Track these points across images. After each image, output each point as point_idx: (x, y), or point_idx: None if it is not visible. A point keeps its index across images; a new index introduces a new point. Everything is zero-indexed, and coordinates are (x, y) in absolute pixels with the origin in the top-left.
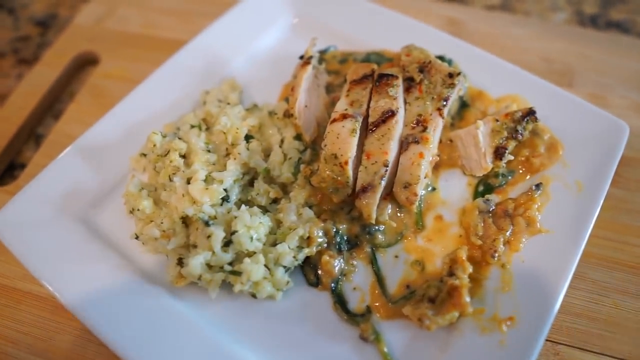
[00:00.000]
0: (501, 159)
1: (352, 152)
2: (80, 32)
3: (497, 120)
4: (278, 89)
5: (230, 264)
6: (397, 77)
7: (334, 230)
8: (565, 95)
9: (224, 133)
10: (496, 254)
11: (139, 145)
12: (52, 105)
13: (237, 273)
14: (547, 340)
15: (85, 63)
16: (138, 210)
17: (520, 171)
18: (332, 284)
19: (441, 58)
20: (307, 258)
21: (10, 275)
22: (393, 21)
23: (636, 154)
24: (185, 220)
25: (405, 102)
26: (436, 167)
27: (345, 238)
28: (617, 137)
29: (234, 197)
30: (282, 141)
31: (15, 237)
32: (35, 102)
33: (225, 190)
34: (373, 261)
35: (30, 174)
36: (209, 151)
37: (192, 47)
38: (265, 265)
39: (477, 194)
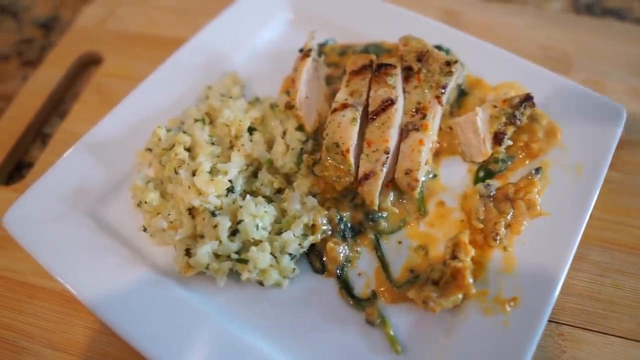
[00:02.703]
0: (500, 145)
1: (353, 140)
2: (83, 33)
3: (495, 107)
4: (279, 82)
5: (237, 252)
6: (395, 67)
7: (338, 217)
8: (562, 80)
9: (227, 126)
10: (498, 237)
11: (144, 141)
12: (57, 105)
13: (244, 261)
14: (550, 321)
15: (88, 63)
16: (145, 203)
17: (520, 156)
18: (338, 270)
19: (439, 48)
20: (312, 245)
21: (23, 270)
22: (391, 13)
23: (634, 137)
24: (192, 212)
25: (404, 91)
26: (437, 155)
27: (349, 225)
28: (614, 120)
29: (238, 188)
30: (284, 132)
31: (27, 234)
32: (41, 103)
33: (230, 181)
34: (377, 247)
35: (38, 173)
36: (213, 144)
37: (193, 44)
38: (271, 254)
39: (477, 180)
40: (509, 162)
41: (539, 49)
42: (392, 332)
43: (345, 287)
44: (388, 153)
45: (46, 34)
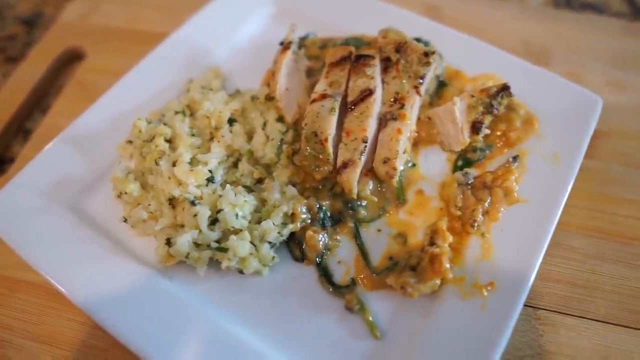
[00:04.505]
0: (478, 133)
1: (331, 129)
2: (66, 28)
3: (473, 96)
4: (261, 75)
5: (217, 241)
6: (374, 58)
7: (318, 206)
8: (539, 71)
9: (208, 117)
10: (475, 224)
11: (126, 134)
12: (40, 101)
13: (224, 250)
14: (528, 305)
15: (71, 58)
16: (125, 193)
17: (498, 145)
18: (317, 258)
19: (418, 40)
20: (292, 234)
21: (4, 264)
22: (372, 8)
23: (610, 127)
24: (172, 202)
25: (383, 82)
26: (416, 144)
27: (328, 214)
28: (590, 109)
29: (219, 178)
30: (264, 124)
31: (8, 226)
32: (23, 98)
33: (210, 171)
34: (356, 235)
35: (20, 168)
36: (193, 135)
37: (175, 38)
38: (251, 242)
39: (456, 169)
40: (487, 151)
41: (519, 43)
42: (371, 318)
43: (325, 274)
44: (366, 142)
45: (29, 31)
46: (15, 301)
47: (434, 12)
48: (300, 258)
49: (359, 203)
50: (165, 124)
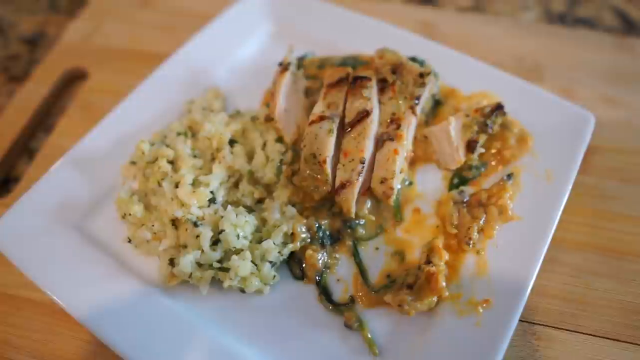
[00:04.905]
0: (473, 152)
1: (329, 151)
2: (68, 48)
3: (468, 116)
4: (260, 95)
5: (219, 261)
6: (370, 79)
7: (317, 225)
8: (533, 89)
9: (209, 139)
10: (471, 242)
11: (129, 155)
12: (43, 120)
13: (226, 269)
14: (524, 321)
15: (74, 78)
16: (130, 215)
17: (493, 163)
18: (317, 277)
19: (414, 59)
20: (292, 253)
21: (10, 283)
22: (368, 26)
23: (603, 143)
24: (175, 222)
25: (380, 103)
26: (412, 163)
27: (327, 233)
28: (583, 127)
29: (220, 199)
30: (264, 144)
31: (14, 247)
32: (27, 118)
33: (211, 192)
34: (355, 254)
35: (25, 187)
36: (195, 156)
37: (176, 59)
38: (252, 262)
39: (452, 187)
40: (482, 169)
41: (512, 59)
42: (369, 335)
43: (325, 292)
44: (364, 163)
45: (32, 50)
46: (21, 320)
47: (427, 29)
48: (300, 277)
49: (357, 222)
50: (167, 146)
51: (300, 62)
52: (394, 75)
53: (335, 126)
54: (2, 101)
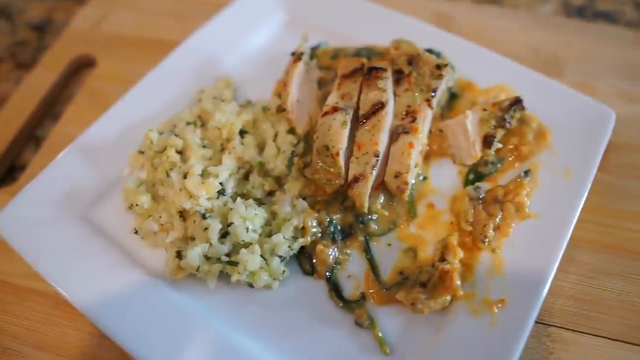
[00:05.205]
0: (490, 147)
1: (343, 143)
2: (76, 35)
3: (485, 110)
4: (272, 85)
5: (227, 255)
6: (386, 70)
7: (328, 220)
8: (552, 83)
9: (219, 129)
10: (486, 239)
11: (137, 144)
12: (50, 108)
13: (234, 263)
14: (539, 322)
15: (82, 66)
16: (137, 205)
17: (510, 159)
18: (327, 273)
19: (430, 51)
20: (302, 248)
21: (14, 273)
22: (383, 17)
23: (623, 140)
24: (183, 214)
25: (395, 94)
26: (427, 157)
27: (339, 228)
28: (603, 123)
29: (229, 191)
30: (275, 135)
31: (19, 236)
32: (34, 105)
33: (221, 184)
34: (367, 249)
35: (31, 175)
36: (204, 147)
37: (186, 47)
38: (262, 256)
39: (467, 182)
40: (499, 165)
41: (530, 52)
42: (380, 334)
43: (335, 289)
44: (378, 156)
45: (40, 37)
46: (23, 310)
47: (443, 21)
48: (311, 272)
49: (369, 217)
50: (176, 135)
51: (314, 52)
52: (410, 67)
53: (349, 118)
54: (9, 88)
